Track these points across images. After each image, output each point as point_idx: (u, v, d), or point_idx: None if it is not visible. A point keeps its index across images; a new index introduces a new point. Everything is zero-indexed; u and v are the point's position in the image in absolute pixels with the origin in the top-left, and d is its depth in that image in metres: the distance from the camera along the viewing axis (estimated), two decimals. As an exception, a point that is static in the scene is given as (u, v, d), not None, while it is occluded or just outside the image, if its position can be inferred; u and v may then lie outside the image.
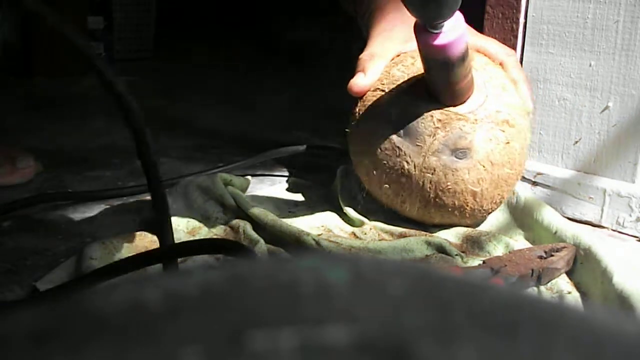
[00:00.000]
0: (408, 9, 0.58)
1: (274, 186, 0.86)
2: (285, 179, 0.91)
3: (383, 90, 0.71)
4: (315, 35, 1.82)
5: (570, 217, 0.76)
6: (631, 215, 0.73)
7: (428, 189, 0.68)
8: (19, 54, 1.58)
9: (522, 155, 0.70)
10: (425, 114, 0.67)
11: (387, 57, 0.74)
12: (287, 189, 0.85)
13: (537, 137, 0.80)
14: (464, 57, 0.62)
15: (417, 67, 0.70)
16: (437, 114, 0.67)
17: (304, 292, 0.13)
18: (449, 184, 0.68)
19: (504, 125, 0.68)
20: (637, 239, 0.72)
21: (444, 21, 0.59)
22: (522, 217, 0.73)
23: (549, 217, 0.69)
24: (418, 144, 0.67)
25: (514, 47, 0.79)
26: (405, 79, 0.70)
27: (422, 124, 0.67)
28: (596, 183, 0.75)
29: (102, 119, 1.32)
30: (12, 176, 0.84)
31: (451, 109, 0.67)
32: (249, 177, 0.84)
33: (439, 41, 0.60)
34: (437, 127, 0.67)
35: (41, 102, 1.38)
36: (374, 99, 0.71)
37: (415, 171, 0.68)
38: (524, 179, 0.80)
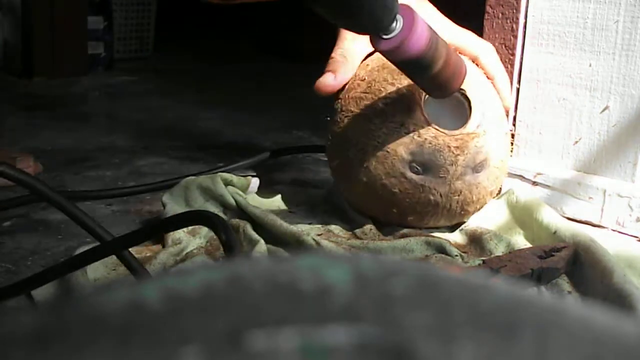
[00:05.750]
0: (348, 29, 0.57)
1: (273, 186, 0.86)
2: (286, 179, 0.91)
3: (373, 122, 0.68)
4: (315, 35, 1.82)
5: (570, 217, 0.76)
6: (631, 215, 0.73)
7: (455, 209, 0.69)
8: (19, 54, 1.58)
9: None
10: (442, 146, 0.66)
11: (359, 56, 0.71)
12: (287, 189, 0.84)
13: (537, 137, 0.80)
14: (433, 45, 0.59)
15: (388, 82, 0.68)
16: (452, 141, 0.66)
17: (304, 291, 0.13)
18: (473, 197, 0.69)
19: (501, 119, 0.72)
20: (637, 239, 0.72)
21: (390, 24, 0.56)
22: (521, 217, 0.73)
23: (549, 217, 0.69)
24: (441, 175, 0.66)
25: (513, 47, 0.79)
26: (397, 103, 0.67)
27: (442, 157, 0.66)
28: (596, 183, 0.75)
29: (102, 119, 1.32)
30: (12, 176, 0.84)
31: (462, 130, 0.66)
32: (249, 177, 0.84)
33: (393, 43, 0.57)
34: (457, 155, 0.66)
35: (41, 102, 1.38)
36: (374, 133, 0.67)
37: (442, 199, 0.68)
38: (523, 179, 0.80)
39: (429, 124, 0.66)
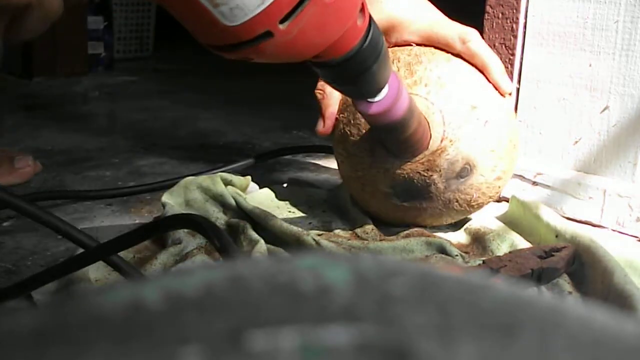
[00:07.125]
0: (345, 95, 0.56)
1: (273, 186, 0.86)
2: (285, 178, 0.91)
3: (350, 166, 0.71)
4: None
5: (570, 217, 0.76)
6: (631, 215, 0.73)
7: (463, 208, 0.69)
8: (19, 54, 1.58)
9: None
10: (411, 174, 0.67)
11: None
12: (287, 189, 0.85)
13: (537, 137, 0.80)
14: (411, 109, 0.60)
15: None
16: (419, 167, 0.66)
17: (304, 292, 0.13)
18: (475, 196, 0.68)
19: (474, 110, 0.67)
20: (637, 239, 0.72)
21: (382, 89, 0.56)
22: (522, 216, 0.73)
23: (549, 217, 0.69)
24: (426, 196, 0.68)
25: (513, 47, 0.79)
26: (361, 144, 0.69)
27: (416, 182, 0.67)
28: (596, 183, 0.75)
29: (102, 119, 1.32)
30: (11, 176, 0.84)
31: (426, 152, 0.66)
32: (249, 177, 0.84)
33: (380, 107, 0.56)
34: (431, 175, 0.66)
35: (41, 102, 1.38)
36: (357, 174, 0.70)
37: (442, 209, 0.69)
38: (523, 179, 0.80)
39: (393, 157, 0.67)
